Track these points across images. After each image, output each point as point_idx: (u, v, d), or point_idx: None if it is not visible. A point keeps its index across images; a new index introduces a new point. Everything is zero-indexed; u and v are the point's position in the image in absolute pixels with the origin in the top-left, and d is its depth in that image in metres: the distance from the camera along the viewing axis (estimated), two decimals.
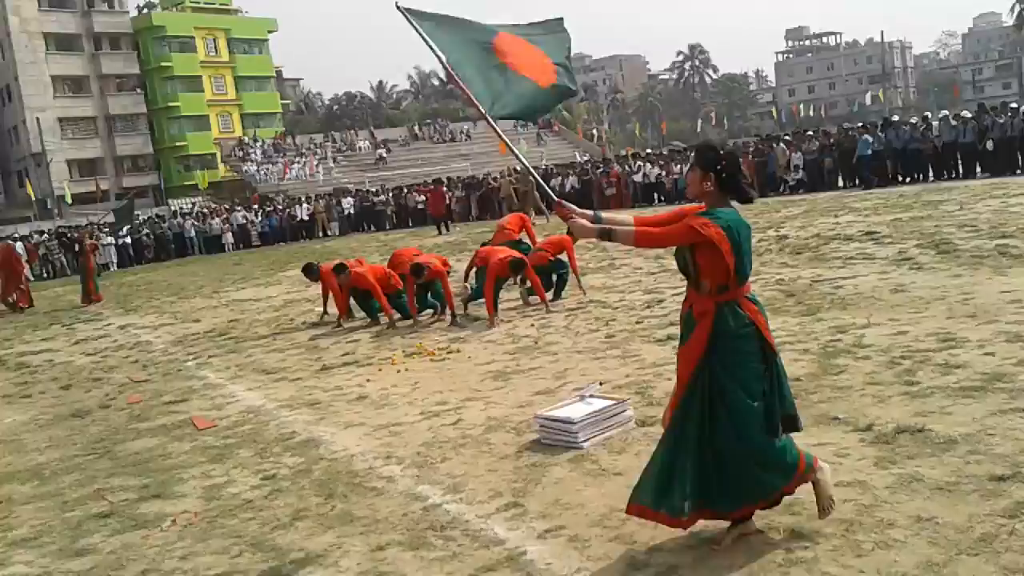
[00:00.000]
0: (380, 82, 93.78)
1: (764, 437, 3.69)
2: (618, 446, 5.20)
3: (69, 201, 45.60)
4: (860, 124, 25.59)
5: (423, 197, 30.66)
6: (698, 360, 3.72)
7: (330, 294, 11.53)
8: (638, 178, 26.95)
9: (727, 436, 3.65)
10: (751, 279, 3.81)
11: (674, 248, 3.86)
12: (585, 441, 5.24)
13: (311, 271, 11.85)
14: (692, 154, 3.89)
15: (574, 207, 4.04)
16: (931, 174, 21.33)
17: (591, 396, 5.66)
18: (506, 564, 3.90)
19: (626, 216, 4.05)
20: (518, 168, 29.60)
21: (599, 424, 5.37)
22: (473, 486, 4.88)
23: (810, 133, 25.17)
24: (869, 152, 21.74)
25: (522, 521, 4.32)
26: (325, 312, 11.76)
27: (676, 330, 8.08)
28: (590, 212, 4.04)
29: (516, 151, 5.05)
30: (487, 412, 6.31)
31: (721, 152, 3.80)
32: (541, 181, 4.95)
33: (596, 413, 5.39)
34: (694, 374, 3.73)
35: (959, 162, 21.08)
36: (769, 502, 3.83)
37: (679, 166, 25.61)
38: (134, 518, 5.06)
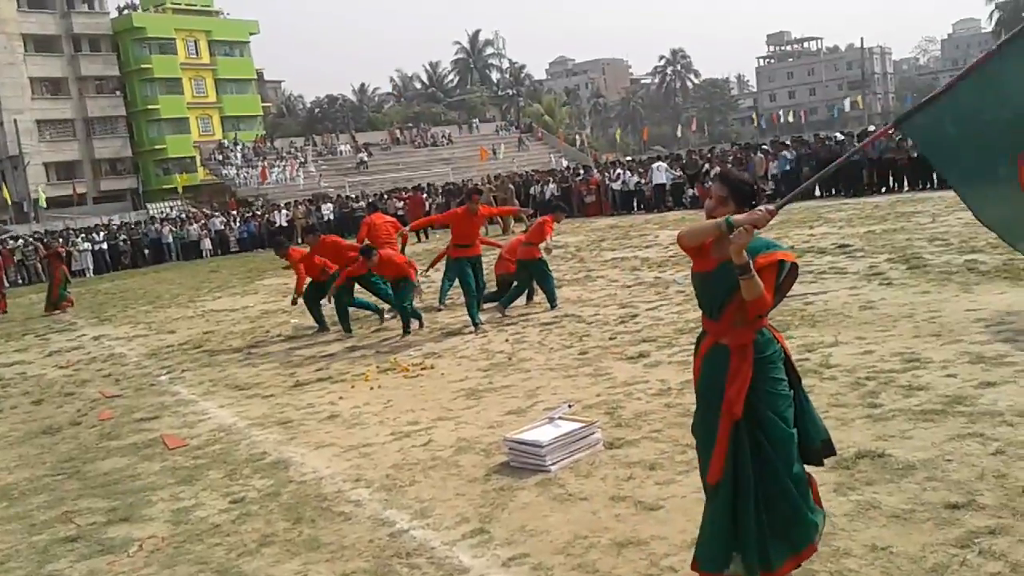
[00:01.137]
0: (362, 85, 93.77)
1: (801, 467, 3.56)
2: (585, 469, 5.25)
3: (44, 205, 45.26)
4: (783, 139, 26.06)
5: (402, 203, 30.65)
6: (747, 394, 3.47)
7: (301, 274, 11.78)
8: (616, 186, 27.03)
9: (775, 469, 3.46)
10: None
11: (702, 285, 3.60)
12: (553, 465, 5.28)
13: (280, 247, 12.05)
14: (718, 183, 3.61)
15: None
16: (906, 184, 21.57)
17: (560, 418, 5.70)
18: None
19: None
20: (497, 175, 29.68)
21: (567, 447, 5.42)
22: (440, 511, 4.91)
23: (787, 142, 25.33)
24: (788, 168, 23.29)
25: (487, 548, 4.35)
26: (297, 296, 11.90)
27: (647, 347, 8.22)
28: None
29: None
30: (457, 432, 6.34)
31: (755, 186, 3.66)
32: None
33: (564, 436, 5.44)
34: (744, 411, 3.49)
35: (934, 172, 21.30)
36: (804, 555, 3.55)
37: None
38: (101, 543, 5.06)
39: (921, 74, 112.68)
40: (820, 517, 3.59)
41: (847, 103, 70.10)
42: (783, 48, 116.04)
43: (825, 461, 4.12)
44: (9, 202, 46.00)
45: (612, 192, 27.12)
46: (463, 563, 4.22)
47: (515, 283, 11.31)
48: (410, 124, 66.72)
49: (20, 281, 31.03)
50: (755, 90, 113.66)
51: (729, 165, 24.44)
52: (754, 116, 78.72)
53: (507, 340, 9.53)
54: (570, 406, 6.08)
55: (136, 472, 6.43)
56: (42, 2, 56.50)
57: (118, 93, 59.47)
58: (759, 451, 3.49)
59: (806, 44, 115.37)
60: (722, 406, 3.52)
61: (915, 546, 3.79)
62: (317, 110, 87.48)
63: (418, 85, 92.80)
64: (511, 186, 26.72)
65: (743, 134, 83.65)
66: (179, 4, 63.67)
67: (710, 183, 23.71)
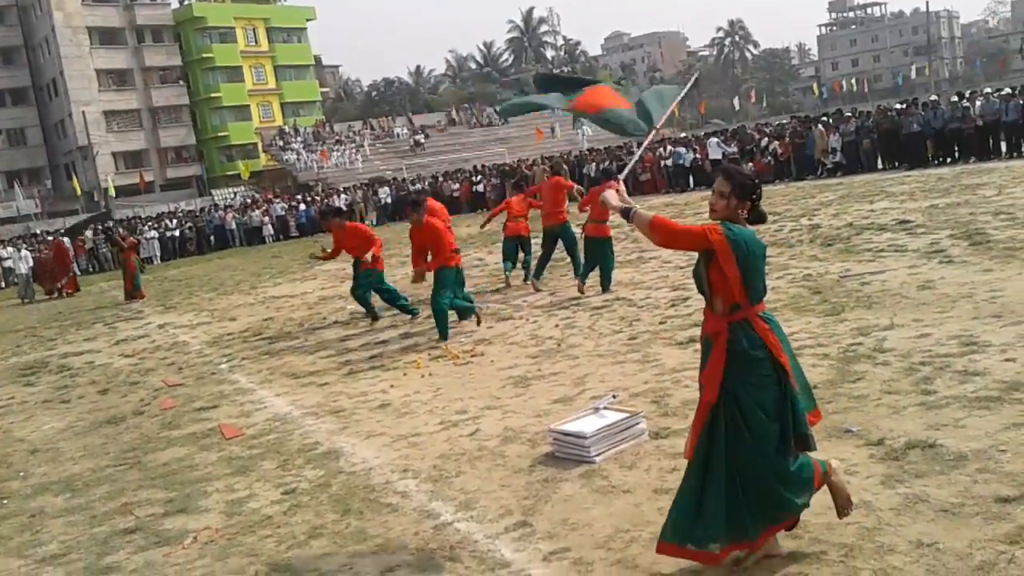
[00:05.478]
0: (418, 67, 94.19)
1: (782, 457, 3.71)
2: (629, 460, 5.24)
3: (113, 194, 46.50)
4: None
5: (457, 185, 30.78)
6: (720, 383, 3.71)
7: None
8: (669, 162, 26.74)
9: (751, 457, 3.66)
10: (769, 286, 3.85)
11: (693, 265, 3.94)
12: (597, 455, 5.28)
13: (326, 216, 12.68)
14: (721, 178, 3.86)
15: (620, 188, 4.22)
16: (972, 155, 20.90)
17: (605, 408, 5.70)
18: None
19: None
20: (551, 156, 29.55)
21: (611, 438, 5.41)
22: (485, 503, 4.95)
23: (848, 114, 24.73)
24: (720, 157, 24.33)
25: (529, 542, 4.38)
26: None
27: (698, 332, 8.09)
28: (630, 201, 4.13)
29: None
30: (504, 422, 6.38)
31: (756, 181, 3.87)
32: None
33: (609, 427, 5.43)
34: (718, 398, 3.72)
35: (1001, 141, 20.64)
36: (793, 521, 3.87)
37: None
38: (158, 534, 5.22)
39: (991, 37, 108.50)
40: (805, 498, 3.77)
41: (913, 70, 68.06)
42: (845, 15, 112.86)
43: (874, 452, 4.09)
44: (79, 192, 47.34)
45: (666, 169, 26.85)
46: (505, 557, 4.26)
47: (585, 258, 11.37)
48: (466, 105, 66.70)
49: (91, 269, 32.03)
50: (816, 59, 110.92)
51: (788, 139, 23.99)
52: (815, 86, 76.84)
53: (557, 325, 9.53)
54: (615, 396, 6.07)
55: (194, 462, 6.60)
56: None
57: (181, 82, 60.80)
58: (737, 436, 3.68)
59: (869, 10, 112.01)
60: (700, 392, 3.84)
61: (962, 542, 3.70)
62: (374, 93, 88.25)
63: (473, 65, 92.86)
64: (565, 167, 26.53)
65: (804, 104, 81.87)
66: None
67: (768, 160, 23.25)
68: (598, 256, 11.07)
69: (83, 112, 53.39)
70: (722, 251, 3.64)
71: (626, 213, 3.92)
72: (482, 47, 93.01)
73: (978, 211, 12.52)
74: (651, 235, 3.83)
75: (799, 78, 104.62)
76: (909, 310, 7.72)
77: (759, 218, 3.88)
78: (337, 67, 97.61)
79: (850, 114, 24.58)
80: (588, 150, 34.04)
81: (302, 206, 35.20)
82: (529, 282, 12.20)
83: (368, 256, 11.12)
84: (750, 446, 3.65)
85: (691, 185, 26.52)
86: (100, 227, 34.80)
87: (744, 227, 3.77)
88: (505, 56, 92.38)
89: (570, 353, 8.19)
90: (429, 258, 9.78)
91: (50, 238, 29.28)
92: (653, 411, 6.01)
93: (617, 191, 4.18)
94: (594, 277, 11.23)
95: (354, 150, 52.68)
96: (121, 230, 30.23)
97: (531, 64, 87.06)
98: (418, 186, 34.00)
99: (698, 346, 7.46)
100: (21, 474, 6.98)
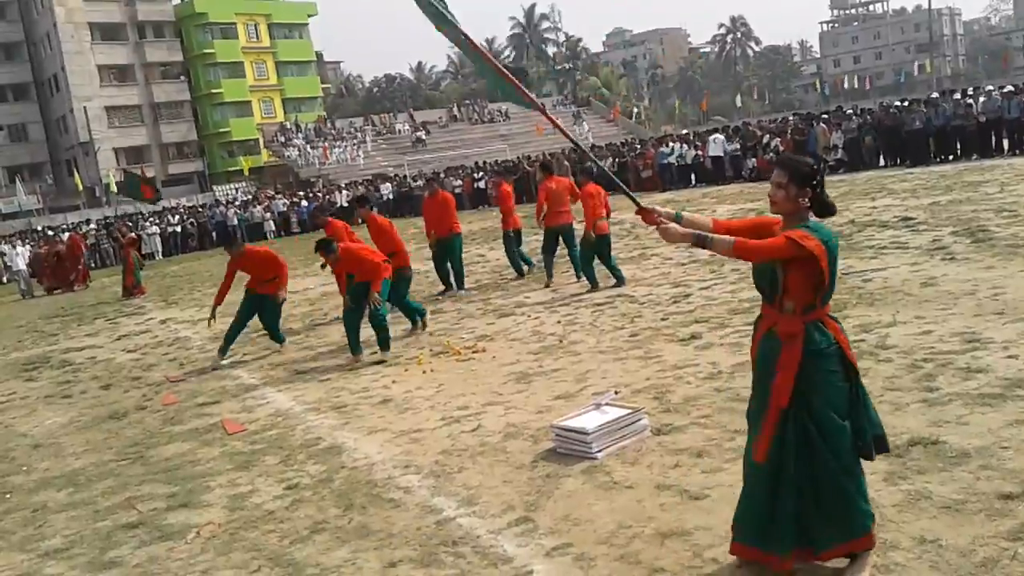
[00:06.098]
0: (419, 63, 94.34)
1: (856, 459, 3.60)
2: (632, 456, 5.24)
3: (115, 190, 46.48)
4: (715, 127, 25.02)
5: (459, 182, 30.77)
6: (795, 385, 3.54)
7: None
8: (671, 159, 26.72)
9: (824, 459, 3.53)
10: None
11: (755, 266, 3.69)
12: (599, 452, 5.29)
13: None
14: (777, 168, 3.63)
15: (659, 209, 3.82)
16: (974, 152, 20.87)
17: (606, 404, 5.70)
18: None
19: (705, 219, 3.84)
20: (552, 152, 29.53)
21: (613, 434, 5.41)
22: (487, 498, 4.96)
23: (849, 111, 24.70)
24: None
25: (531, 537, 4.38)
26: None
27: (699, 328, 8.17)
28: (672, 213, 3.82)
29: (571, 135, 4.74)
30: (506, 418, 6.38)
31: (816, 166, 3.65)
32: (616, 179, 4.70)
33: (611, 423, 5.43)
34: (789, 402, 3.56)
35: (1004, 139, 20.62)
36: (861, 543, 3.59)
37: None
38: (161, 529, 5.23)
39: (993, 35, 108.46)
40: (870, 508, 3.61)
41: (915, 67, 68.00)
42: (847, 12, 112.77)
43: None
44: (81, 187, 47.32)
45: (663, 167, 26.81)
46: (507, 552, 4.26)
47: (580, 253, 11.40)
48: (467, 101, 66.64)
49: (93, 265, 32.00)
50: (818, 56, 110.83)
51: (789, 136, 23.95)
52: (817, 83, 76.72)
53: (559, 322, 9.53)
54: (617, 392, 6.07)
55: (196, 457, 6.61)
56: None
57: (182, 78, 60.81)
58: (808, 440, 3.55)
59: (871, 7, 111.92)
60: (770, 394, 3.62)
61: (965, 539, 3.71)
62: (376, 89, 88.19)
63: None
64: (567, 163, 26.55)
65: (806, 101, 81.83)
66: None
67: (771, 156, 23.21)
68: (593, 253, 11.11)
69: (84, 108, 53.45)
70: (823, 258, 3.44)
71: (702, 241, 3.57)
72: (484, 43, 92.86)
73: (980, 208, 12.52)
74: (735, 257, 3.60)
75: (801, 75, 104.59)
76: (911, 307, 7.71)
77: (825, 208, 3.60)
78: (338, 63, 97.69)
79: (852, 111, 24.54)
80: (594, 146, 34.01)
81: (303, 202, 35.19)
82: (531, 272, 12.34)
83: (281, 294, 10.70)
84: (822, 447, 3.53)
85: (692, 182, 26.51)
86: (101, 222, 34.80)
87: (819, 222, 3.56)
88: (507, 52, 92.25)
89: (572, 349, 8.19)
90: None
91: (51, 233, 29.32)
92: (655, 407, 6.01)
93: (659, 214, 3.78)
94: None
95: (355, 146, 52.64)
96: (116, 225, 30.36)
97: (533, 60, 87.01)
98: (420, 182, 33.98)
99: (700, 342, 7.55)
100: (24, 469, 6.99)
